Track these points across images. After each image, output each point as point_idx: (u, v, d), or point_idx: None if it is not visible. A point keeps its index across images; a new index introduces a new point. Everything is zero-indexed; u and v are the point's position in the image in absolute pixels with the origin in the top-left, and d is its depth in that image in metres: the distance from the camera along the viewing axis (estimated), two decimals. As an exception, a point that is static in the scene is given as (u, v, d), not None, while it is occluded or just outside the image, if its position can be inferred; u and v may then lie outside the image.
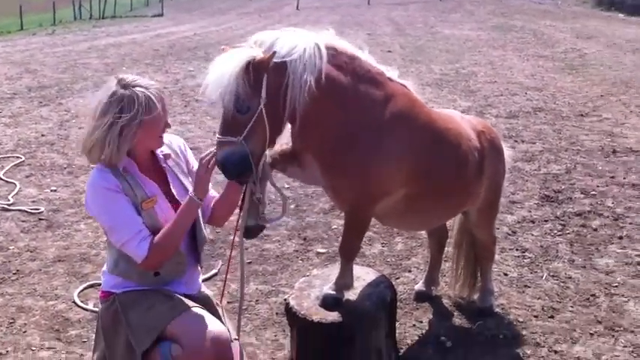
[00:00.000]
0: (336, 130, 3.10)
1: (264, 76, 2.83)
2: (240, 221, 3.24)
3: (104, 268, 3.17)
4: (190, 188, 3.06)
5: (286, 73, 2.88)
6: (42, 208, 6.16)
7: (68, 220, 5.94)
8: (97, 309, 3.83)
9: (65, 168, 7.45)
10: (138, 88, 2.83)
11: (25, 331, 4.14)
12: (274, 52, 2.84)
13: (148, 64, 15.61)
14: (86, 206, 3.01)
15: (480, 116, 8.57)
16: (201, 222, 3.20)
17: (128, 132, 2.82)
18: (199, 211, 3.09)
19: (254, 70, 2.80)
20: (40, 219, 5.95)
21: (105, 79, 13.21)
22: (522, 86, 12.27)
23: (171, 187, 3.08)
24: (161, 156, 3.09)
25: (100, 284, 4.36)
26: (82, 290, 4.62)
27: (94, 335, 3.32)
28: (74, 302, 4.47)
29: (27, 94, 11.87)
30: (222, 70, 2.79)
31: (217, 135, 2.92)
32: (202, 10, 42.42)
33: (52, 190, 6.70)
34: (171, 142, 3.21)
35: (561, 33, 21.79)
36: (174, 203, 3.04)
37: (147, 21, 34.66)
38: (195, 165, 3.25)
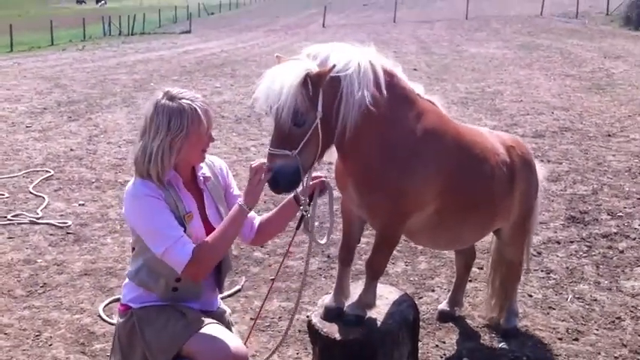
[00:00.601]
0: (375, 148, 3.11)
1: (321, 89, 2.83)
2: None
3: (125, 280, 3.20)
4: (225, 214, 3.07)
5: (340, 87, 2.88)
6: (70, 222, 6.25)
7: (95, 234, 6.02)
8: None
9: (93, 182, 7.55)
10: (184, 101, 2.85)
11: (50, 344, 4.19)
12: (334, 66, 2.83)
13: (176, 81, 15.80)
14: (125, 213, 3.00)
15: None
16: (230, 249, 3.22)
17: (175, 144, 2.85)
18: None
19: (312, 84, 2.78)
20: (67, 233, 6.04)
21: (133, 94, 13.54)
22: (549, 105, 12.20)
23: (206, 208, 3.09)
24: (201, 177, 3.11)
25: (124, 298, 4.43)
26: (107, 304, 4.67)
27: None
28: (99, 316, 4.53)
29: (57, 109, 12.09)
30: (279, 83, 2.75)
31: (270, 148, 2.89)
32: (230, 27, 42.87)
33: (79, 205, 6.80)
34: (214, 163, 3.23)
35: (588, 52, 21.65)
36: (207, 225, 3.07)
37: (175, 38, 35.12)
38: (234, 188, 3.27)
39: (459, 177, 3.42)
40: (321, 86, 2.81)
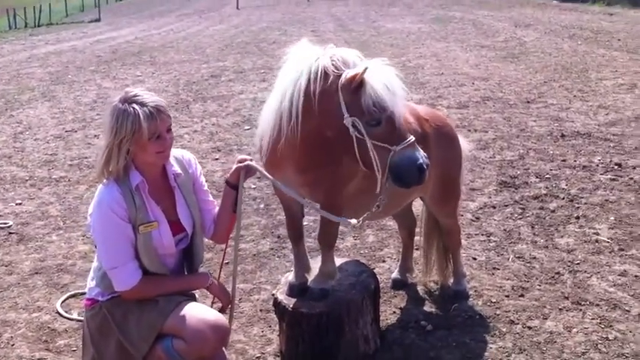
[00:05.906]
0: (313, 134, 3.21)
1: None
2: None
3: (90, 276, 3.23)
4: (194, 208, 3.21)
5: None
6: (10, 222, 6.11)
7: (39, 232, 5.92)
8: (82, 318, 3.87)
9: (27, 180, 7.37)
10: (133, 105, 2.89)
11: (13, 344, 4.15)
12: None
13: (94, 71, 15.43)
14: (90, 214, 3.06)
15: (431, 107, 8.78)
16: (201, 243, 3.33)
17: (123, 146, 2.91)
18: (198, 229, 3.26)
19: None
20: (10, 233, 5.91)
21: (52, 88, 13.08)
22: (469, 77, 12.60)
23: (177, 206, 3.16)
24: (172, 175, 3.16)
25: (82, 293, 4.44)
26: (64, 300, 4.64)
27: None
28: (58, 313, 4.50)
29: (-26, 108, 11.63)
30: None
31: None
32: (140, 14, 41.84)
33: (17, 204, 6.65)
34: (183, 156, 3.28)
35: (500, 22, 22.35)
36: (176, 223, 3.15)
37: (84, 27, 34.00)
38: (202, 181, 3.33)
39: None
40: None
